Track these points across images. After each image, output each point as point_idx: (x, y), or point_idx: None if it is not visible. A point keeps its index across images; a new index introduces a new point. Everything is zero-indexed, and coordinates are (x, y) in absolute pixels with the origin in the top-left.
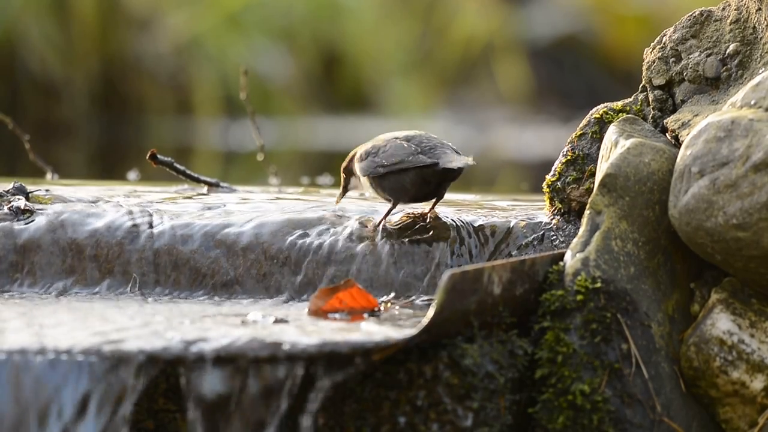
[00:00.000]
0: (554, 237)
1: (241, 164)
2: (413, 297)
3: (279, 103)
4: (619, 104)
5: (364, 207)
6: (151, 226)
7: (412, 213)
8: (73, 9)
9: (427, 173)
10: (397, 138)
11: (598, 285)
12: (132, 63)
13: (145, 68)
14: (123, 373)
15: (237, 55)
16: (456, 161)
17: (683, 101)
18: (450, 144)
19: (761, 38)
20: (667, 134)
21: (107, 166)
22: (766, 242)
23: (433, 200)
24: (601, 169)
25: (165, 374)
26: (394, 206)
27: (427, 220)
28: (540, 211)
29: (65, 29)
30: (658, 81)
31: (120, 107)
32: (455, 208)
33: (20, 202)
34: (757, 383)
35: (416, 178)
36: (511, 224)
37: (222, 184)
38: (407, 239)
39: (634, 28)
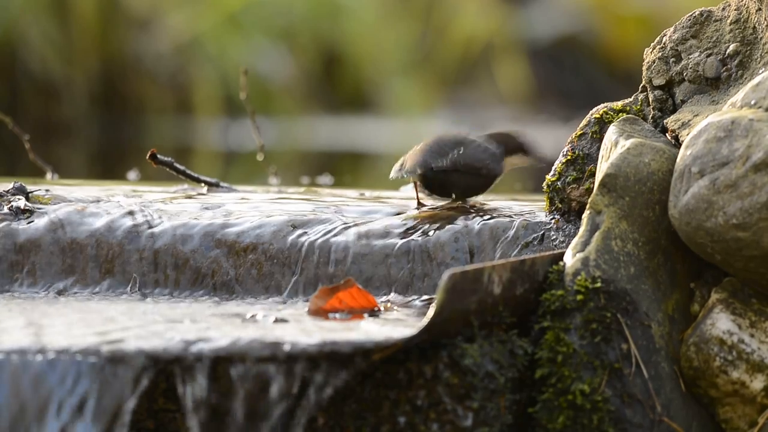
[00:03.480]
0: (554, 237)
1: (241, 164)
2: (413, 297)
3: (279, 103)
4: (619, 104)
5: (364, 208)
6: (151, 225)
7: (420, 211)
8: (73, 9)
9: (424, 181)
10: (425, 143)
11: (598, 285)
12: (132, 63)
13: (145, 68)
14: (122, 373)
15: (237, 55)
16: (417, 168)
17: (683, 101)
18: (473, 143)
19: (761, 38)
20: (667, 134)
21: (107, 166)
22: (766, 242)
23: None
24: (601, 169)
25: (165, 374)
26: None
27: (417, 211)
28: (540, 211)
29: (65, 29)
30: (658, 81)
31: (120, 107)
32: (455, 207)
33: (20, 202)
34: (757, 383)
35: (421, 184)
36: (511, 224)
37: (222, 183)
38: (407, 239)
39: (634, 28)
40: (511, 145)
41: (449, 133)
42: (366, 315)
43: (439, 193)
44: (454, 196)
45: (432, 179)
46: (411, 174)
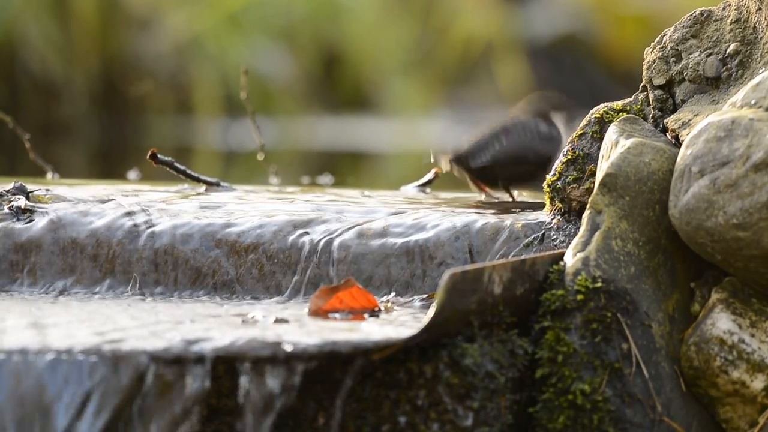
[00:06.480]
0: (554, 237)
1: (241, 164)
2: (413, 297)
3: (279, 103)
4: (619, 104)
5: (364, 208)
6: (151, 225)
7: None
8: (73, 9)
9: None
10: (475, 133)
11: (599, 285)
12: (132, 63)
13: (145, 68)
14: (123, 373)
15: (237, 55)
16: (455, 164)
17: (683, 101)
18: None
19: (761, 38)
20: (667, 134)
21: (107, 166)
22: (766, 242)
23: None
24: (602, 168)
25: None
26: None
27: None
28: (540, 211)
29: (65, 29)
30: (659, 81)
31: (120, 107)
32: (454, 207)
33: (20, 201)
34: (757, 383)
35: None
36: (511, 224)
37: (222, 183)
38: (407, 239)
39: (634, 28)
40: (548, 111)
41: (499, 120)
42: (366, 315)
43: (484, 180)
44: (500, 183)
45: (477, 173)
46: (457, 167)
